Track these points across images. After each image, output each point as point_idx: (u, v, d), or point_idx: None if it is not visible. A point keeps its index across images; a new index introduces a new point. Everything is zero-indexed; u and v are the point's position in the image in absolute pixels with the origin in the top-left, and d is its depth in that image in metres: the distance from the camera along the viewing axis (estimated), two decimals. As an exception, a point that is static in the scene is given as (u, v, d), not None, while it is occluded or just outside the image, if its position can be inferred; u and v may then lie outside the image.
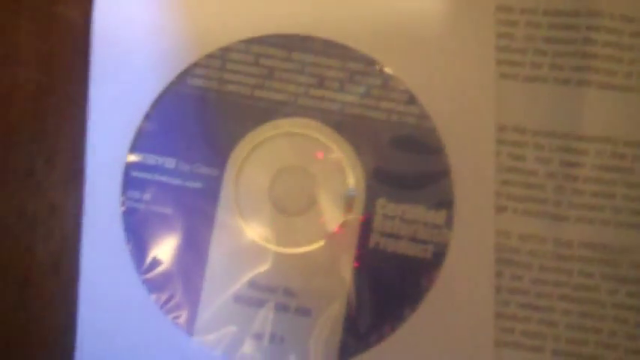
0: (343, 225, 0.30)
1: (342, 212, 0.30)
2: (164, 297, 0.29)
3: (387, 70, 0.30)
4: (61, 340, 0.31)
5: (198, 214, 0.30)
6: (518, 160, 0.31)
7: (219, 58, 0.31)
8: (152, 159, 0.30)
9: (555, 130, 0.31)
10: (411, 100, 0.30)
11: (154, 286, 0.30)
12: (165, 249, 0.30)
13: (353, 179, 0.29)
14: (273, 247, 0.30)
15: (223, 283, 0.30)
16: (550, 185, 0.31)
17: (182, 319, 0.29)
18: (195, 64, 0.31)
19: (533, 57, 0.30)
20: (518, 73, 0.31)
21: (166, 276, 0.30)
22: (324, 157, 0.29)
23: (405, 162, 0.30)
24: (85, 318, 0.30)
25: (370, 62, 0.30)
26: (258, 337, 0.29)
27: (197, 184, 0.30)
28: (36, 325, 0.31)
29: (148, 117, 0.30)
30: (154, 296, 0.30)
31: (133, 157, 0.30)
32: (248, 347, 0.29)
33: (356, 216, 0.30)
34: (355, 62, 0.30)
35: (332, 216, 0.30)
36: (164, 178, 0.30)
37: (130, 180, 0.30)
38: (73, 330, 0.30)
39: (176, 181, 0.30)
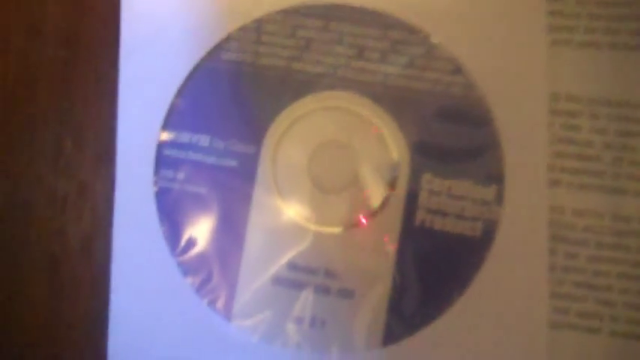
0: (386, 202, 0.29)
1: (385, 188, 0.29)
2: (200, 280, 0.29)
3: (431, 38, 0.29)
4: (93, 326, 0.30)
5: (234, 194, 0.29)
6: (573, 131, 0.29)
7: (254, 31, 0.30)
8: (185, 137, 0.29)
9: (611, 98, 0.29)
10: (457, 69, 0.29)
11: (189, 268, 0.29)
12: (200, 230, 0.29)
13: (396, 154, 0.28)
14: (312, 227, 0.29)
15: (261, 265, 0.29)
16: (606, 157, 0.29)
17: (219, 304, 0.28)
18: (229, 37, 0.30)
19: (586, 21, 0.29)
20: (571, 39, 0.29)
21: (202, 258, 0.29)
22: (376, 132, 0.28)
23: (452, 135, 0.29)
24: (118, 303, 0.30)
25: (413, 30, 0.29)
26: (299, 321, 0.28)
27: (232, 162, 0.29)
28: (67, 311, 0.30)
29: (180, 93, 0.29)
30: (189, 279, 0.29)
31: (165, 135, 0.29)
32: (288, 332, 0.28)
33: (400, 192, 0.28)
34: (397, 31, 0.29)
35: (374, 193, 0.29)
36: (198, 157, 0.29)
37: (163, 159, 0.29)
38: (105, 316, 0.30)
39: (210, 160, 0.29)
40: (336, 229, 0.29)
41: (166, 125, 0.29)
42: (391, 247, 0.28)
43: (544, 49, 0.29)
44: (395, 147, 0.29)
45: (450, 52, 0.29)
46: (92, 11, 0.30)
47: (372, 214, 0.29)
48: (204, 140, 0.29)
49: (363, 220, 0.29)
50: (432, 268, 0.28)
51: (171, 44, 0.30)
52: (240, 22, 0.30)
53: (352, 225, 0.29)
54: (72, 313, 0.30)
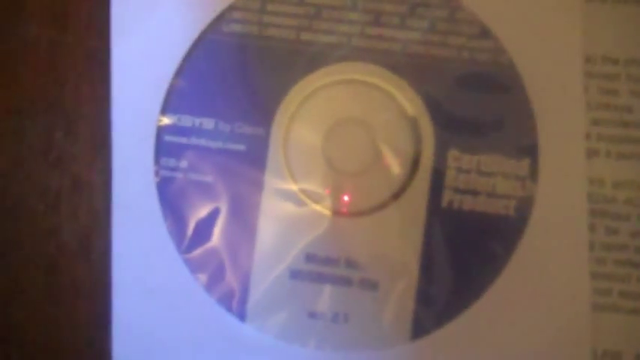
0: (410, 182, 0.27)
1: (409, 168, 0.27)
2: (209, 277, 0.27)
3: None
4: (96, 332, 0.28)
5: (243, 181, 0.27)
6: (610, 95, 0.28)
7: None
8: (187, 120, 0.27)
9: None
10: (484, 32, 0.27)
11: (198, 265, 0.28)
12: (208, 222, 0.28)
13: (419, 129, 0.26)
14: (330, 213, 0.26)
15: (276, 257, 0.27)
16: None
17: (232, 302, 0.27)
18: (231, 7, 0.28)
19: None
20: None
21: (211, 253, 0.27)
22: (396, 106, 0.25)
23: (479, 105, 0.27)
24: (121, 306, 0.28)
25: None
26: (320, 316, 0.26)
27: (240, 146, 0.27)
28: (66, 317, 0.29)
29: (179, 72, 0.28)
30: (198, 277, 0.27)
31: (165, 120, 0.27)
32: (308, 329, 0.26)
33: (425, 171, 0.27)
34: None
35: (397, 173, 0.26)
36: (202, 142, 0.27)
37: (164, 145, 0.28)
38: (108, 320, 0.28)
39: (216, 144, 0.27)
40: (357, 215, 0.26)
41: (166, 108, 0.27)
42: (418, 232, 0.26)
43: (579, 6, 0.27)
44: (417, 122, 0.26)
45: (475, 14, 0.27)
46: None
47: (396, 197, 0.26)
48: (208, 123, 0.27)
49: (386, 205, 0.26)
50: (462, 253, 0.26)
51: (167, 18, 0.28)
52: None
53: (374, 210, 0.26)
54: (72, 318, 0.29)
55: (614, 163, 0.28)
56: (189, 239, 0.28)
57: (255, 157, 0.28)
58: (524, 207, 0.27)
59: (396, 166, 0.28)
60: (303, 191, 0.28)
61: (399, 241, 0.27)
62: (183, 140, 0.28)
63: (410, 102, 0.27)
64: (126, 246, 0.28)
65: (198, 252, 0.27)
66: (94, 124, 0.29)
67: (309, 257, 0.27)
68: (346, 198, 0.27)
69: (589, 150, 0.28)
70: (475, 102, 0.27)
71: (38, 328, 0.29)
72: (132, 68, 0.28)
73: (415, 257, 0.27)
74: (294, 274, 0.27)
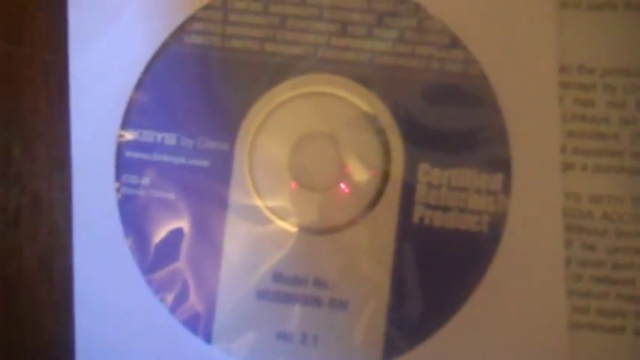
0: (380, 198, 0.27)
1: (378, 183, 0.27)
2: (174, 298, 0.27)
3: (423, 7, 0.27)
4: (59, 354, 0.28)
5: (207, 197, 0.27)
6: (586, 106, 0.27)
7: (221, 9, 0.28)
8: (149, 135, 0.27)
9: (629, 67, 0.27)
10: (454, 42, 0.27)
11: (161, 286, 0.27)
12: (171, 242, 0.27)
13: (389, 143, 0.26)
14: (298, 230, 0.26)
15: (243, 277, 0.27)
16: (625, 134, 0.27)
17: (197, 323, 0.27)
18: (192, 18, 0.28)
19: None
20: (582, 0, 0.27)
21: (175, 273, 0.27)
22: (364, 119, 0.25)
23: (450, 117, 0.27)
24: (83, 327, 0.28)
25: (401, 0, 0.27)
26: (289, 338, 0.26)
27: (204, 162, 0.27)
28: (28, 339, 0.29)
29: (140, 86, 0.28)
30: (161, 298, 0.27)
31: (126, 135, 0.27)
32: (277, 351, 0.25)
33: (394, 186, 0.27)
34: (383, 1, 0.27)
35: (365, 189, 0.27)
36: (164, 158, 0.27)
37: (125, 162, 0.28)
38: (70, 342, 0.28)
39: (179, 160, 0.27)
40: (325, 232, 0.26)
41: (126, 123, 0.27)
42: (388, 250, 0.26)
43: (553, 14, 0.27)
44: (386, 136, 0.26)
45: (444, 23, 0.27)
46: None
47: (365, 214, 0.26)
48: (170, 138, 0.27)
49: (355, 221, 0.26)
50: (435, 271, 0.26)
51: (126, 29, 0.28)
52: None
53: (342, 227, 0.26)
54: (34, 340, 0.29)
55: (590, 176, 0.27)
56: (152, 259, 0.27)
57: (220, 173, 0.27)
58: (497, 223, 0.27)
59: (364, 182, 0.27)
60: (270, 208, 0.27)
61: (368, 259, 0.27)
62: (145, 156, 0.27)
63: (379, 115, 0.27)
64: (88, 266, 0.28)
65: (161, 272, 0.27)
66: (53, 139, 0.29)
67: (277, 277, 0.27)
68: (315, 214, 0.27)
69: (564, 163, 0.27)
70: (446, 114, 0.27)
71: (-2, 352, 0.29)
72: (91, 82, 0.28)
73: (386, 276, 0.27)
74: (261, 295, 0.27)
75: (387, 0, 0.27)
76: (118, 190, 0.28)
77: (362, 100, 0.27)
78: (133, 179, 0.28)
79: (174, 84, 0.28)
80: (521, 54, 0.27)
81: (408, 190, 0.27)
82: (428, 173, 0.27)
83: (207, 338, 0.27)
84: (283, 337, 0.27)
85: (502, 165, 0.27)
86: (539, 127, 0.27)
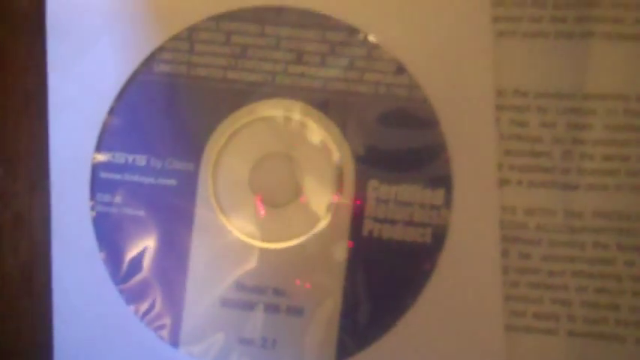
0: (333, 213, 0.30)
1: (331, 199, 0.29)
2: (144, 307, 0.29)
3: (371, 38, 0.29)
4: (37, 359, 0.30)
5: (175, 214, 0.30)
6: (521, 127, 0.30)
7: (187, 40, 0.31)
8: (121, 157, 0.29)
9: (560, 91, 0.30)
10: (400, 69, 0.30)
11: (133, 295, 0.30)
12: (142, 255, 0.31)
13: (340, 162, 0.28)
14: (258, 244, 0.29)
15: (208, 286, 0.30)
16: (557, 151, 0.30)
17: (165, 330, 0.29)
18: (161, 48, 0.31)
19: (532, 10, 0.29)
20: (517, 30, 0.30)
21: (145, 284, 0.30)
22: (319, 141, 0.29)
23: (397, 139, 0.30)
24: (61, 334, 0.31)
25: (352, 31, 0.30)
26: (249, 342, 0.28)
27: (171, 181, 0.29)
28: (10, 345, 0.32)
29: (112, 111, 0.30)
30: (133, 307, 0.29)
31: (100, 157, 0.29)
32: (239, 354, 0.28)
33: (346, 202, 0.28)
34: (336, 32, 0.29)
35: (320, 205, 0.28)
36: (135, 178, 0.30)
37: (99, 182, 0.30)
38: (50, 348, 0.31)
39: (148, 180, 0.30)
40: (283, 245, 0.29)
41: (100, 146, 0.30)
42: (340, 260, 0.29)
43: (490, 42, 0.30)
44: (339, 155, 0.29)
45: (391, 52, 0.30)
46: (16, 29, 0.30)
47: (319, 228, 0.29)
48: (140, 160, 0.29)
49: (310, 235, 0.28)
50: (383, 279, 0.29)
51: (101, 59, 0.31)
52: (171, 31, 0.30)
53: (298, 240, 0.29)
54: (15, 346, 0.32)
55: (525, 191, 0.30)
56: (124, 271, 0.30)
57: (186, 192, 0.30)
58: (440, 234, 0.30)
59: (319, 198, 0.30)
60: (232, 223, 0.30)
61: (323, 269, 0.30)
62: (118, 176, 0.30)
63: (332, 136, 0.30)
64: (65, 277, 0.31)
65: (132, 283, 0.30)
66: (33, 161, 0.31)
67: (239, 286, 0.30)
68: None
69: (501, 179, 0.30)
70: (393, 136, 0.30)
71: (-18, 358, 0.31)
72: (68, 107, 0.31)
73: (338, 284, 0.30)
74: (225, 303, 0.30)
75: (339, 31, 0.31)
76: (92, 208, 0.31)
77: (316, 123, 0.30)
78: (106, 198, 0.31)
79: (145, 109, 0.31)
80: (461, 79, 0.30)
81: (359, 206, 0.30)
82: (376, 189, 0.30)
83: (175, 343, 0.30)
84: (245, 341, 0.30)
85: (444, 181, 0.30)
86: (477, 146, 0.30)
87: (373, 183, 0.30)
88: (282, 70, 0.31)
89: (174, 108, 0.31)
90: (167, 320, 0.30)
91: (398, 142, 0.30)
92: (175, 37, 0.31)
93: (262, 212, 0.30)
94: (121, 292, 0.30)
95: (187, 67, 0.31)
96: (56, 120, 0.31)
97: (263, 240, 0.30)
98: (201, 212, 0.30)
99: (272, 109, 0.31)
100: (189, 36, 0.31)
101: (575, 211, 0.30)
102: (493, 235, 0.30)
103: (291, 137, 0.31)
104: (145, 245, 0.30)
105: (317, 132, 0.31)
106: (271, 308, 0.30)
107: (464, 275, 0.30)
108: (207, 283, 0.30)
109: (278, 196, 0.31)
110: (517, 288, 0.30)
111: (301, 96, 0.31)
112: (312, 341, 0.30)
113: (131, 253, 0.30)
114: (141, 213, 0.30)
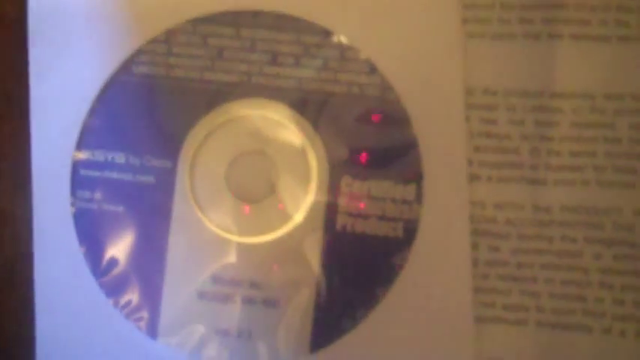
0: (307, 209, 0.30)
1: (306, 195, 0.30)
2: (124, 300, 0.30)
3: (344, 39, 0.30)
4: (21, 351, 0.32)
5: (153, 210, 0.31)
6: (490, 124, 0.31)
7: (165, 42, 0.32)
8: (101, 155, 0.30)
9: (528, 89, 0.31)
10: (372, 69, 0.31)
11: (112, 289, 0.31)
12: (120, 249, 0.31)
13: (315, 159, 0.29)
14: (235, 238, 0.30)
15: (185, 280, 0.31)
16: (525, 148, 0.31)
17: (144, 322, 0.30)
18: (139, 50, 0.32)
19: (500, 12, 0.30)
20: (486, 31, 0.31)
21: (124, 277, 0.30)
22: (293, 138, 0.29)
23: (369, 137, 0.31)
24: (44, 327, 0.32)
25: (326, 33, 0.31)
26: (226, 333, 0.29)
27: (150, 178, 0.30)
28: None
29: (93, 111, 0.31)
30: (112, 300, 0.30)
31: (80, 155, 0.30)
32: (215, 345, 0.29)
33: (320, 198, 0.29)
34: (310, 34, 0.30)
35: (295, 200, 0.29)
36: (114, 175, 0.31)
37: (79, 179, 0.31)
38: (32, 341, 0.32)
39: (127, 177, 0.31)
40: (259, 240, 0.30)
41: (81, 144, 0.31)
42: (314, 254, 0.29)
43: (460, 44, 0.31)
44: (313, 152, 0.30)
45: (364, 53, 0.31)
46: (-2, 33, 0.31)
47: (294, 222, 0.30)
48: (119, 158, 0.30)
49: (285, 229, 0.29)
50: (356, 272, 0.30)
51: (81, 60, 0.32)
52: (150, 34, 0.31)
53: (274, 234, 0.30)
54: None
55: (494, 186, 0.31)
56: (104, 265, 0.31)
57: (164, 188, 0.31)
58: (411, 228, 0.31)
59: (294, 194, 0.31)
60: (209, 219, 0.31)
61: (297, 263, 0.31)
62: (97, 174, 0.31)
63: (306, 134, 0.31)
64: (47, 273, 0.32)
65: (111, 277, 0.31)
66: (15, 160, 0.32)
67: (216, 279, 0.31)
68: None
69: (471, 175, 0.31)
70: (366, 133, 0.31)
71: (-35, 352, 0.32)
72: (49, 107, 0.32)
73: (312, 277, 0.31)
74: (203, 295, 0.31)
75: (313, 33, 0.32)
76: (73, 205, 0.32)
77: (291, 122, 0.31)
78: (86, 194, 0.32)
79: (123, 109, 0.32)
80: (432, 79, 0.31)
81: (332, 201, 0.31)
82: (350, 185, 0.31)
83: (154, 335, 0.31)
84: (222, 332, 0.31)
85: (415, 177, 0.31)
86: (448, 143, 0.31)
87: (346, 179, 0.31)
88: (257, 71, 0.32)
89: (152, 108, 0.32)
90: (145, 312, 0.31)
91: (371, 140, 0.31)
92: (154, 40, 0.32)
93: (247, 210, 0.31)
94: (101, 285, 0.31)
95: (165, 68, 0.32)
96: (38, 120, 0.32)
97: (240, 235, 0.31)
98: (178, 208, 0.31)
99: (248, 109, 0.32)
100: (168, 39, 0.32)
101: (543, 206, 0.31)
102: (463, 229, 0.31)
103: (266, 135, 0.32)
104: (124, 240, 0.31)
105: (292, 130, 0.32)
106: (247, 300, 0.31)
107: (435, 268, 0.31)
108: (184, 276, 0.31)
109: (254, 193, 0.32)
110: (487, 280, 0.31)
111: (276, 96, 0.31)
112: (287, 332, 0.31)
113: (111, 248, 0.31)
114: (120, 209, 0.31)
